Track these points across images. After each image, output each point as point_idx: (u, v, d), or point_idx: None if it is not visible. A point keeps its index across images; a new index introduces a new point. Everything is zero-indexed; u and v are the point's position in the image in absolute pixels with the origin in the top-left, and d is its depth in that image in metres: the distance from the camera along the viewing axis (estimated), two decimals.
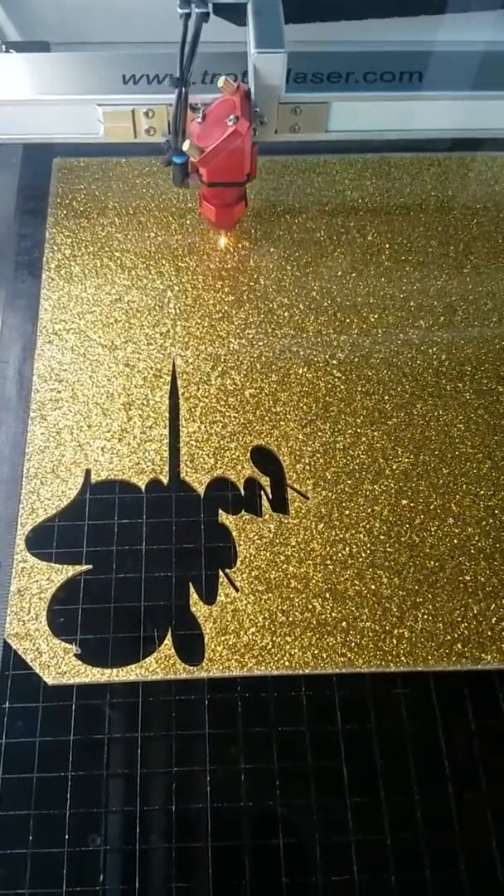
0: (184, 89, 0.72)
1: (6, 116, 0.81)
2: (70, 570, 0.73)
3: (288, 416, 0.82)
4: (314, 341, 0.87)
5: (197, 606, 0.71)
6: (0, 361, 0.85)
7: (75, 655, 0.69)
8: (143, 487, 0.78)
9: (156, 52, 0.81)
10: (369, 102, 0.80)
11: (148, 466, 0.79)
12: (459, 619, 0.71)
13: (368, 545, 0.74)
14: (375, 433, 0.81)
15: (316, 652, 0.69)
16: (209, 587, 0.72)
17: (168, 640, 0.70)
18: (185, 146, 0.74)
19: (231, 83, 0.73)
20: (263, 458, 0.80)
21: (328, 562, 0.73)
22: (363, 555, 0.74)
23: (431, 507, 0.77)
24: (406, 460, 0.79)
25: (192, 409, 0.83)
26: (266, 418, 0.82)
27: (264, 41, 0.73)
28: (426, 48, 0.85)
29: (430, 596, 0.72)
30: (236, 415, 0.82)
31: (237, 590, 0.72)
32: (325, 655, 0.69)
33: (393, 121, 0.82)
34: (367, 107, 0.80)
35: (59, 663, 0.68)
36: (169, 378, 0.85)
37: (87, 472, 0.78)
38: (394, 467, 0.79)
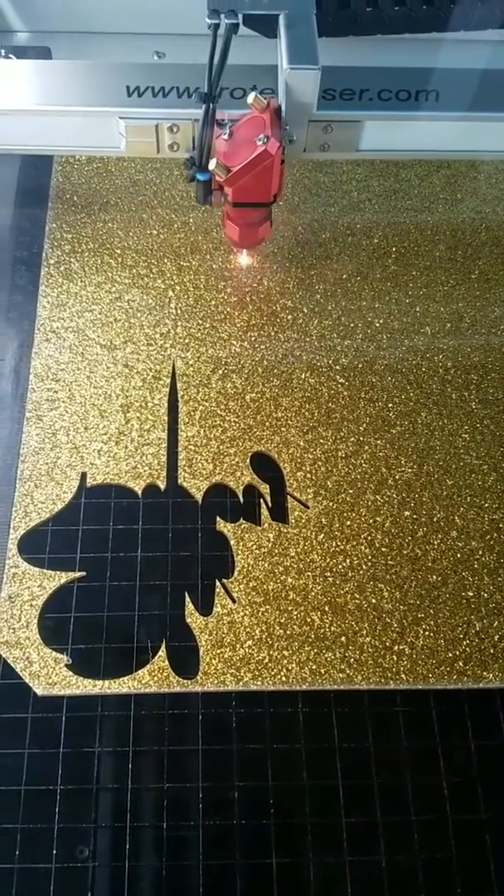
0: (211, 105, 0.68)
1: (21, 126, 0.77)
2: (63, 577, 0.71)
3: (289, 421, 0.80)
4: (317, 346, 0.85)
5: (192, 617, 0.70)
6: None
7: (66, 666, 0.67)
8: (139, 492, 0.76)
9: (181, 62, 0.77)
10: (407, 122, 0.76)
11: (145, 471, 0.77)
12: (461, 635, 0.69)
13: (369, 557, 0.73)
14: (378, 441, 0.79)
15: (314, 667, 0.67)
16: (205, 597, 0.71)
17: (162, 652, 0.68)
18: (212, 165, 0.70)
19: (261, 99, 0.69)
20: (263, 464, 0.78)
21: (328, 574, 0.72)
22: (364, 567, 0.72)
23: (434, 519, 0.75)
24: (409, 470, 0.78)
25: (192, 413, 0.81)
26: (267, 424, 0.80)
27: (298, 56, 0.69)
28: (469, 66, 0.81)
29: (431, 611, 0.70)
30: (236, 419, 0.80)
31: (234, 601, 0.70)
32: (323, 671, 0.67)
33: (431, 140, 0.78)
34: (403, 125, 0.76)
35: (49, 673, 0.66)
36: (168, 380, 0.83)
37: (83, 476, 0.76)
38: (396, 477, 0.77)
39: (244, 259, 0.91)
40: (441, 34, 0.96)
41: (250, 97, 0.69)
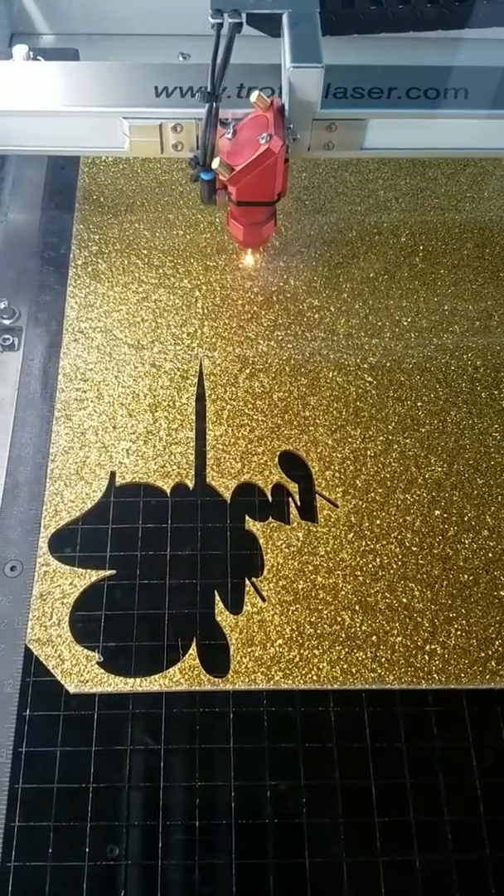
0: (214, 104, 0.69)
1: (30, 127, 0.77)
2: (93, 575, 0.71)
3: (317, 420, 0.80)
4: (345, 344, 0.85)
5: (222, 616, 0.70)
6: (25, 359, 0.83)
7: (98, 663, 0.67)
8: (168, 491, 0.76)
9: (186, 63, 0.78)
10: (409, 120, 0.76)
11: (173, 470, 0.77)
12: (494, 635, 0.68)
13: (400, 557, 0.72)
14: (408, 440, 0.79)
15: (345, 667, 0.67)
16: (235, 596, 0.71)
17: (192, 650, 0.68)
18: (215, 164, 0.70)
19: (265, 98, 0.69)
20: (292, 463, 0.78)
21: (358, 573, 0.71)
22: (394, 566, 0.72)
23: (465, 518, 0.74)
24: (439, 469, 0.77)
25: (219, 412, 0.81)
26: (295, 423, 0.80)
27: (301, 55, 0.69)
28: (470, 63, 0.80)
29: (463, 611, 0.70)
30: (264, 418, 0.80)
31: (264, 600, 0.70)
32: (354, 670, 0.67)
33: (433, 139, 0.78)
34: (406, 124, 0.76)
35: (81, 671, 0.67)
36: (196, 379, 0.83)
37: (112, 475, 0.76)
38: (426, 476, 0.77)
39: (249, 259, 0.91)
40: (447, 32, 0.95)
41: (253, 96, 0.69)
